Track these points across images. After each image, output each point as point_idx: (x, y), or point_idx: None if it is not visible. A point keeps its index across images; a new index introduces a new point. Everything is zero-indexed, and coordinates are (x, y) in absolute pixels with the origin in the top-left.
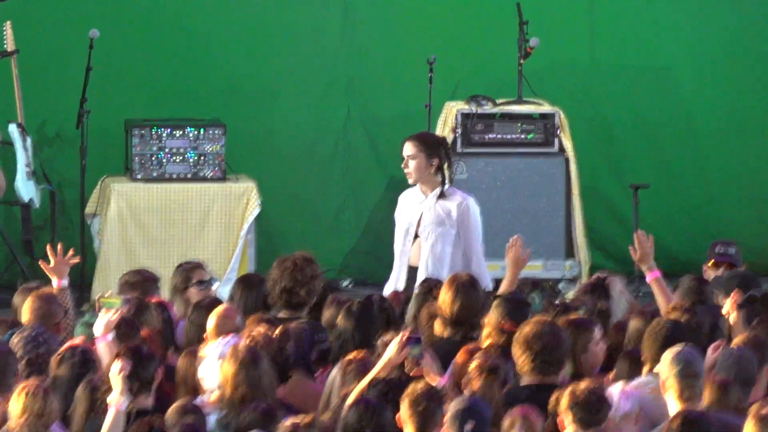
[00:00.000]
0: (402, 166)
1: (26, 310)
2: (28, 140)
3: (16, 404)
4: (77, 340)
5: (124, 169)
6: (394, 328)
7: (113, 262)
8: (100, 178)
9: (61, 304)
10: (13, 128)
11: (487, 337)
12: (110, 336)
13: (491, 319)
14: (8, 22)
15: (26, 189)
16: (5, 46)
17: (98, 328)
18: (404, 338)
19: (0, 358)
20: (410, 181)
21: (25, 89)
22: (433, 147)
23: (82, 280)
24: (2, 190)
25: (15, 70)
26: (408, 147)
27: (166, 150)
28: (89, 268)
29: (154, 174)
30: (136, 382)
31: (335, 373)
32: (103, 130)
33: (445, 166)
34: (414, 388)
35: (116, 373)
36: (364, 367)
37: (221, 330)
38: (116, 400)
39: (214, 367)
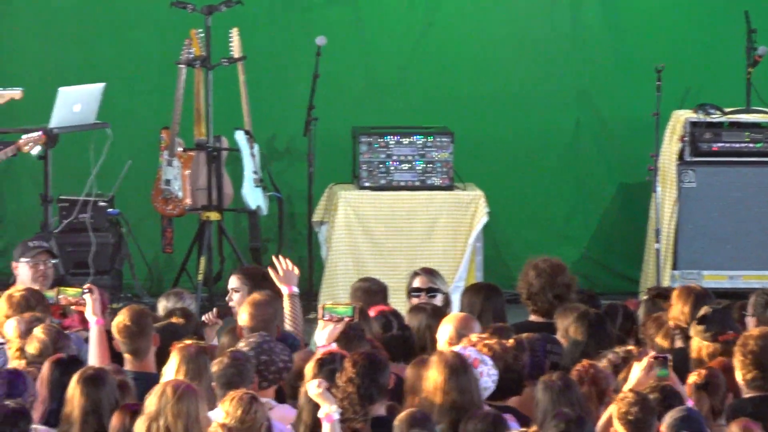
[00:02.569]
0: (227, 298)
1: (245, 315)
2: (255, 147)
3: (221, 410)
4: (334, 345)
5: (352, 176)
6: (633, 337)
7: (340, 270)
8: (327, 185)
9: (278, 308)
10: (240, 135)
11: None
12: (333, 345)
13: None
14: (235, 29)
15: (253, 196)
16: (232, 52)
17: (321, 338)
18: (652, 359)
19: (237, 365)
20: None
21: (252, 96)
22: (258, 281)
23: (309, 287)
24: (230, 197)
25: (242, 77)
26: (233, 280)
27: (394, 158)
28: (316, 276)
29: (382, 182)
30: (374, 389)
31: None
32: (331, 138)
33: None
34: (625, 397)
35: (315, 391)
36: (593, 379)
37: (460, 337)
38: (327, 413)
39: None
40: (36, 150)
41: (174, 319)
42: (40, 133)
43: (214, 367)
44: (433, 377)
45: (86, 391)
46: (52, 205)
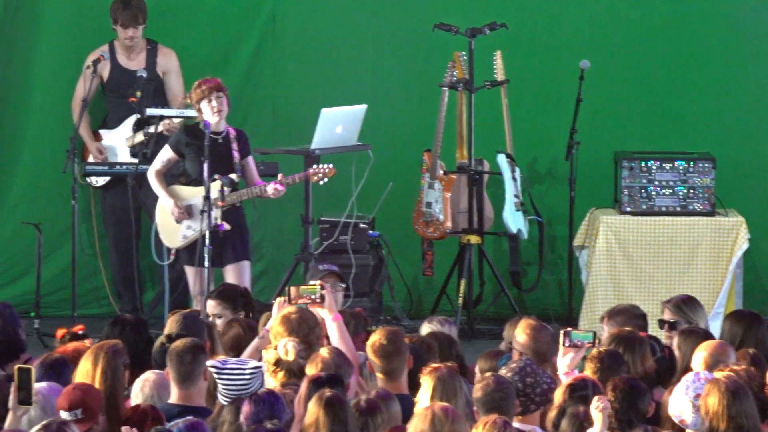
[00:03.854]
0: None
1: (524, 337)
2: (517, 171)
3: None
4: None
5: (613, 201)
6: None
7: (600, 295)
8: (588, 209)
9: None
10: (501, 158)
11: None
12: (576, 372)
13: None
14: (498, 52)
15: (514, 220)
16: (495, 75)
17: (563, 365)
18: None
19: (503, 389)
20: None
21: (514, 119)
22: (236, 302)
23: (569, 311)
24: (491, 220)
25: (504, 100)
26: (211, 305)
27: (656, 183)
28: (576, 300)
29: (643, 207)
30: (633, 414)
31: None
32: (593, 162)
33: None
34: None
35: (597, 408)
36: None
37: (709, 365)
38: None
39: (683, 402)
40: (323, 182)
41: (415, 339)
42: (331, 166)
43: (479, 392)
44: (713, 403)
45: (331, 413)
46: (312, 226)
